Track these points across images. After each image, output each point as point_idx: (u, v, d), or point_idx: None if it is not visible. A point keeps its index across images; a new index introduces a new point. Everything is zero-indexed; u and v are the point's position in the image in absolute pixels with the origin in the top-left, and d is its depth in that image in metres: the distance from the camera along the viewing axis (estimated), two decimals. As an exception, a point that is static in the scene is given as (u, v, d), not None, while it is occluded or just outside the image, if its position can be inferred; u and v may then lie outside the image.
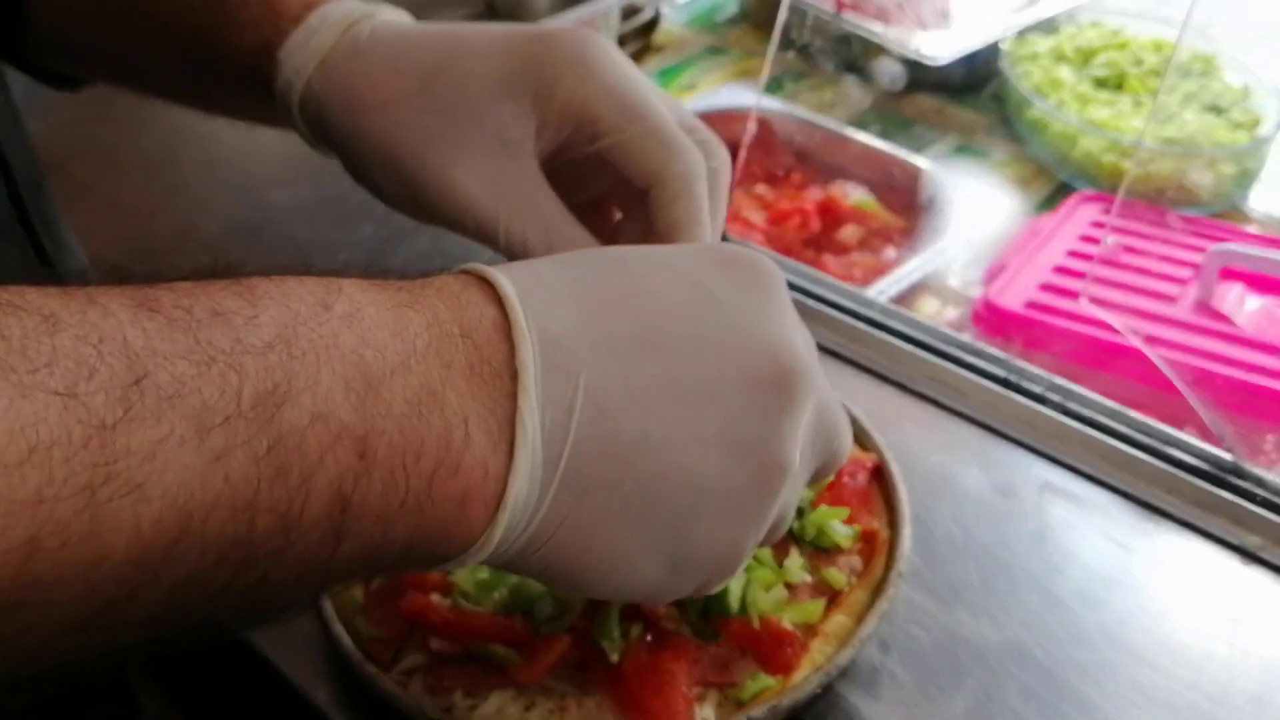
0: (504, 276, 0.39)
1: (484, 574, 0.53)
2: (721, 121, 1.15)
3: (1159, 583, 0.56)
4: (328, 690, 0.52)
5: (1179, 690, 0.51)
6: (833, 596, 0.53)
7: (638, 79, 0.53)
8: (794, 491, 0.44)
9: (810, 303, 0.71)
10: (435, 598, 0.52)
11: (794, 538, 0.54)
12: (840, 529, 0.54)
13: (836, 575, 0.53)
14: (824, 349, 0.70)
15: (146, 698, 0.70)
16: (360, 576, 0.39)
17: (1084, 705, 0.51)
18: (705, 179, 0.53)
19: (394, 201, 0.55)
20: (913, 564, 0.56)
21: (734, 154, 1.12)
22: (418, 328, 0.37)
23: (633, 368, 0.39)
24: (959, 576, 0.56)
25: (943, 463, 0.62)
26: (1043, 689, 0.51)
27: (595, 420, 0.38)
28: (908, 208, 1.06)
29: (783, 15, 0.87)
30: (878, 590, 0.52)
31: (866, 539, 0.55)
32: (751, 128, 0.89)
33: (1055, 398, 0.63)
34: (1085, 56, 1.19)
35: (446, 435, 0.36)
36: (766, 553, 0.53)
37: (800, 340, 0.42)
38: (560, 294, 0.40)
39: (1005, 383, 0.64)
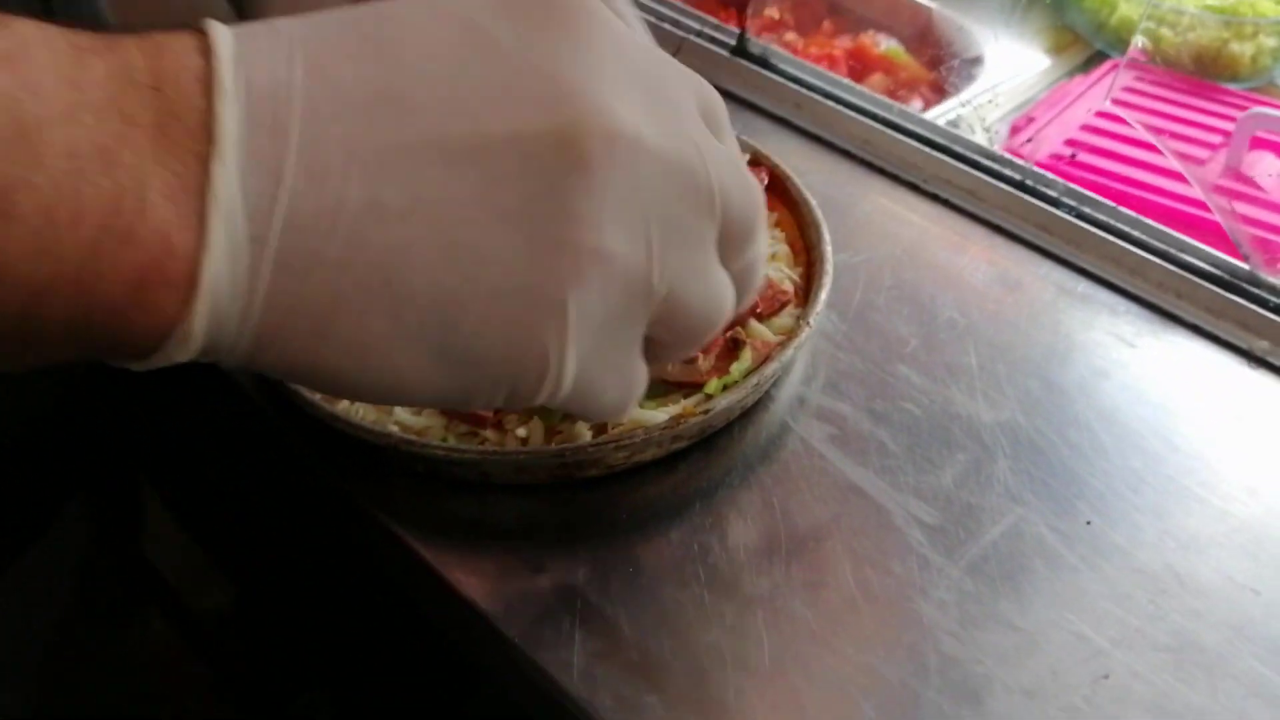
0: (222, 27, 0.34)
1: None
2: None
3: (1162, 378, 0.55)
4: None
5: (1172, 475, 0.50)
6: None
7: None
8: (642, 285, 0.36)
9: (835, 107, 0.70)
10: None
11: None
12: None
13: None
14: (841, 150, 0.68)
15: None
16: (31, 357, 0.33)
17: (1073, 481, 0.50)
18: None
19: None
20: (908, 345, 0.55)
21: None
22: (98, 75, 0.32)
23: (363, 126, 0.33)
24: (957, 360, 0.55)
25: (951, 258, 0.60)
26: (1032, 465, 0.50)
27: (312, 188, 0.32)
28: (938, 61, 1.04)
29: None
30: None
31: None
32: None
33: (1071, 201, 0.61)
34: (1131, -77, 1.16)
35: (116, 199, 0.31)
36: None
37: (611, 87, 0.35)
38: (289, 45, 0.34)
39: (1021, 185, 0.62)
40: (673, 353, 0.39)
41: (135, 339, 0.33)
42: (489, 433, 0.50)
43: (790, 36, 1.06)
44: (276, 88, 0.32)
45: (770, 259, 0.56)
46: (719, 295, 0.38)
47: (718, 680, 0.42)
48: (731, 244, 0.38)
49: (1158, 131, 0.99)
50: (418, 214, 0.33)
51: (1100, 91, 1.02)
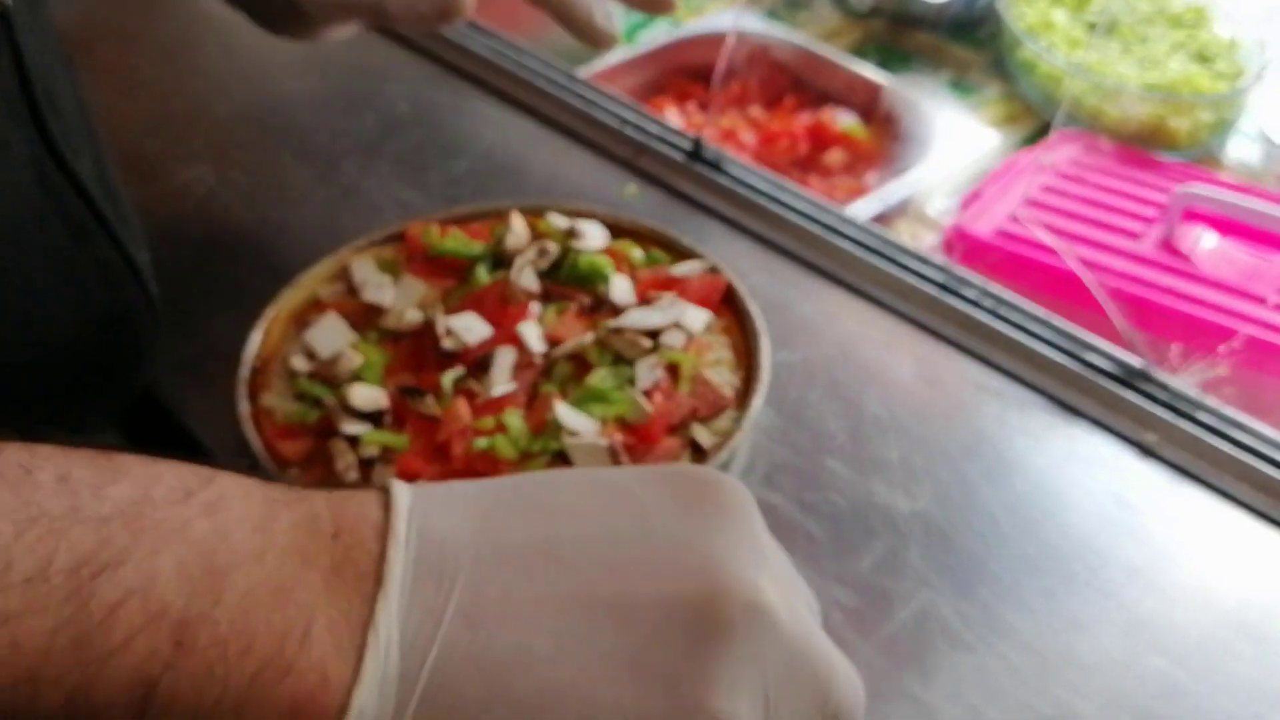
0: (403, 485, 0.37)
1: None
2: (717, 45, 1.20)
3: (1062, 469, 0.61)
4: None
5: (1063, 560, 0.57)
6: None
7: None
8: None
9: (782, 212, 0.76)
10: None
11: None
12: None
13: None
14: (787, 252, 0.75)
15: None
16: None
17: (976, 567, 0.56)
18: None
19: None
20: (836, 439, 0.62)
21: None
22: (284, 524, 0.35)
23: (520, 577, 0.35)
24: (880, 453, 0.61)
25: (879, 356, 0.67)
26: (941, 552, 0.57)
27: (466, 632, 0.34)
28: (895, 136, 1.11)
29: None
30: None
31: None
32: (730, 44, 0.92)
33: (988, 303, 0.68)
34: (1082, 1, 1.23)
35: (283, 633, 0.33)
36: None
37: (757, 568, 0.37)
38: (460, 501, 0.37)
39: (943, 286, 0.69)
40: None
41: None
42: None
43: (755, 111, 1.13)
44: (445, 539, 0.36)
45: (714, 364, 0.62)
46: None
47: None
48: None
49: (1097, 204, 1.06)
50: (561, 662, 0.34)
51: (1045, 165, 1.09)
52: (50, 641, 0.31)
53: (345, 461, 0.58)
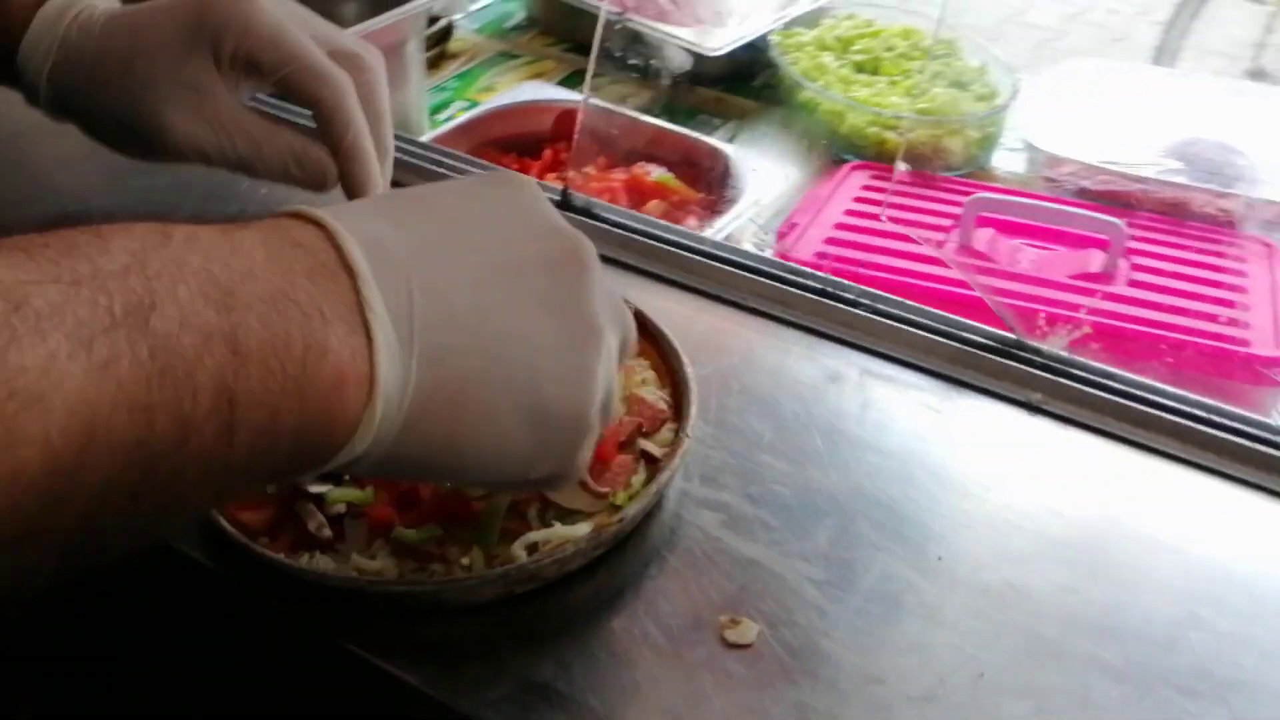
0: (305, 209, 0.44)
1: None
2: (524, 114, 1.25)
3: (967, 434, 0.68)
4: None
5: (994, 511, 0.63)
6: None
7: (289, 19, 0.65)
8: (611, 358, 0.50)
9: (658, 245, 0.81)
10: None
11: None
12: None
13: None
14: (669, 281, 0.79)
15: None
16: (259, 477, 0.42)
17: (919, 527, 0.61)
18: (354, 93, 0.64)
19: (132, 150, 0.70)
20: (765, 438, 0.67)
21: (548, 141, 1.22)
22: (252, 243, 0.40)
23: (449, 260, 0.45)
24: (806, 444, 0.66)
25: (780, 361, 0.72)
26: (886, 519, 0.62)
27: (432, 300, 0.43)
28: (704, 182, 1.18)
29: (602, 19, 0.97)
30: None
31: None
32: (582, 118, 0.98)
33: (866, 301, 0.74)
34: (844, 45, 1.33)
35: (306, 323, 0.39)
36: None
37: (569, 226, 0.50)
38: (368, 213, 0.46)
39: (823, 293, 0.75)
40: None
41: (335, 436, 0.41)
42: (436, 566, 0.58)
43: (571, 174, 1.17)
44: (379, 239, 0.43)
45: (641, 384, 0.66)
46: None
47: (683, 735, 0.52)
48: (624, 350, 0.53)
49: (898, 221, 1.15)
50: (506, 310, 0.45)
51: (844, 193, 1.18)
52: (144, 374, 0.35)
53: (316, 521, 0.59)
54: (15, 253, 0.35)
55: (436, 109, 1.25)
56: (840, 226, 1.10)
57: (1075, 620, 0.57)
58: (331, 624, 0.57)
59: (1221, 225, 1.12)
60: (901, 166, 0.99)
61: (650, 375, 0.67)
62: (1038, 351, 0.70)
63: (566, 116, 1.21)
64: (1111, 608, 0.57)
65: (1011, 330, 0.70)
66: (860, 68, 1.31)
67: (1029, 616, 0.57)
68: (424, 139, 1.07)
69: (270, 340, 0.38)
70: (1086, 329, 0.71)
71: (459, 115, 1.20)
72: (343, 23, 1.24)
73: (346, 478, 0.61)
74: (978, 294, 0.78)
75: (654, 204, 1.14)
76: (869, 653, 0.55)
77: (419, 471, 0.50)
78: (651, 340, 0.68)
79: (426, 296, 0.43)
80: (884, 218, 1.07)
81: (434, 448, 0.45)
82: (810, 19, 1.38)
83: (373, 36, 1.01)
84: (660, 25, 1.29)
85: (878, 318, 0.73)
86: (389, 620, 0.57)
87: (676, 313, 0.75)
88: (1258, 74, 2.00)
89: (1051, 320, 0.71)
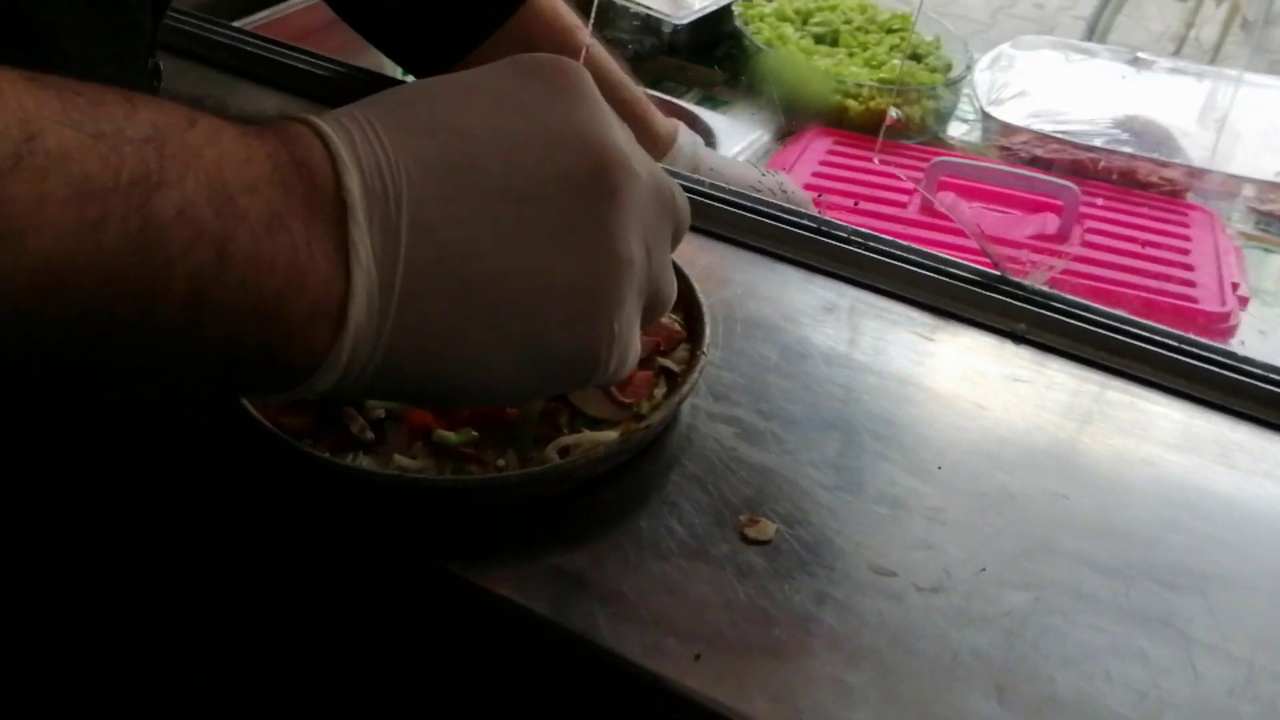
0: (328, 123, 0.43)
1: None
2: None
3: (959, 359, 0.72)
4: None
5: (988, 427, 0.67)
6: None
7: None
8: (645, 278, 0.47)
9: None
10: None
11: None
12: None
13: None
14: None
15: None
16: (221, 384, 0.43)
17: (919, 439, 0.66)
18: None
19: None
20: (770, 360, 0.71)
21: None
22: (261, 156, 0.40)
23: (450, 186, 0.42)
24: (809, 367, 0.70)
25: (779, 293, 0.76)
26: (888, 432, 0.66)
27: (422, 240, 0.41)
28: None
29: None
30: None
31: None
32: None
33: (857, 239, 0.79)
34: (804, 16, 1.38)
35: (293, 255, 0.39)
36: None
37: (617, 133, 0.45)
38: (374, 129, 0.43)
39: (818, 231, 0.79)
40: (644, 325, 0.51)
41: (297, 366, 0.41)
42: (473, 467, 0.61)
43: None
44: (379, 166, 0.42)
45: (657, 308, 0.69)
46: (673, 280, 0.52)
47: (713, 619, 0.55)
48: (677, 240, 0.52)
49: (863, 183, 1.20)
50: (502, 246, 0.43)
51: (810, 156, 1.23)
52: (127, 247, 0.34)
53: (358, 424, 0.62)
54: (47, 89, 0.34)
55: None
56: (807, 188, 1.15)
57: (1066, 522, 0.62)
58: (372, 522, 0.59)
59: (1166, 194, 1.19)
60: (894, 113, 1.04)
61: (664, 301, 0.71)
62: (1020, 286, 0.75)
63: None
64: (1097, 512, 0.62)
65: (995, 266, 0.75)
66: (820, 39, 1.36)
67: (1023, 519, 0.62)
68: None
69: (255, 259, 0.38)
70: (1057, 268, 0.76)
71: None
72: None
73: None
74: (961, 227, 0.83)
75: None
76: (879, 549, 0.59)
77: (408, 401, 0.51)
78: None
79: (417, 233, 0.41)
80: (876, 160, 1.12)
81: (418, 385, 0.44)
82: (770, -9, 1.42)
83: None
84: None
85: (868, 253, 0.78)
86: (428, 517, 0.60)
87: (679, 251, 0.79)
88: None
89: (1033, 259, 0.76)
